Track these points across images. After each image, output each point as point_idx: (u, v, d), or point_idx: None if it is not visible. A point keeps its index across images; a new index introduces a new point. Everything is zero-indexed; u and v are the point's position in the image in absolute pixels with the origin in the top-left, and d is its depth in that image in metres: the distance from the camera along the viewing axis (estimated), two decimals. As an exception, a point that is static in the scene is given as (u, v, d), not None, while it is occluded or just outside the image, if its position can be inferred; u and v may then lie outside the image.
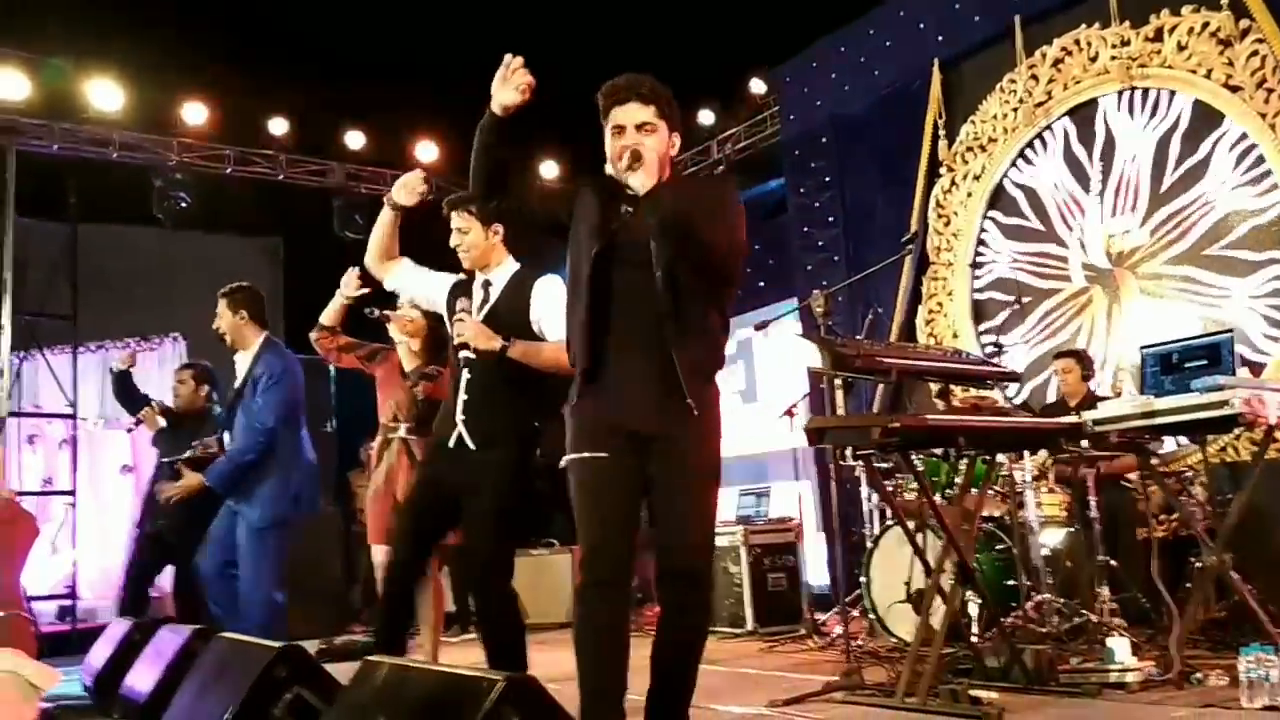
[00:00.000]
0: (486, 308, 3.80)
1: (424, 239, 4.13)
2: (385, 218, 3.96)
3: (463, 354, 3.74)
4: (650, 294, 2.78)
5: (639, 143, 2.86)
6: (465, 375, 3.75)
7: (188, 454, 4.99)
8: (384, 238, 3.97)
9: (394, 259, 3.99)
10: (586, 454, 2.81)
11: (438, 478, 3.79)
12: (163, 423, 6.09)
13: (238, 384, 4.97)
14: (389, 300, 4.59)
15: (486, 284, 3.86)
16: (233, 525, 4.80)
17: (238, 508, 4.80)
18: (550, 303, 3.68)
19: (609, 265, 2.83)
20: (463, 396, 3.73)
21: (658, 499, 2.82)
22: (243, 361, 5.02)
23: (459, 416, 3.72)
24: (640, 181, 2.80)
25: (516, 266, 3.91)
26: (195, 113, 9.69)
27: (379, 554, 4.83)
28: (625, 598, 2.82)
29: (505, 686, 1.87)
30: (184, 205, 9.62)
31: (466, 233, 3.90)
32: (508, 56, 2.89)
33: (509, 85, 2.91)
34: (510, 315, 3.75)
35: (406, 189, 3.92)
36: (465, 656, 5.60)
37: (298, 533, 5.74)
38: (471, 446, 3.69)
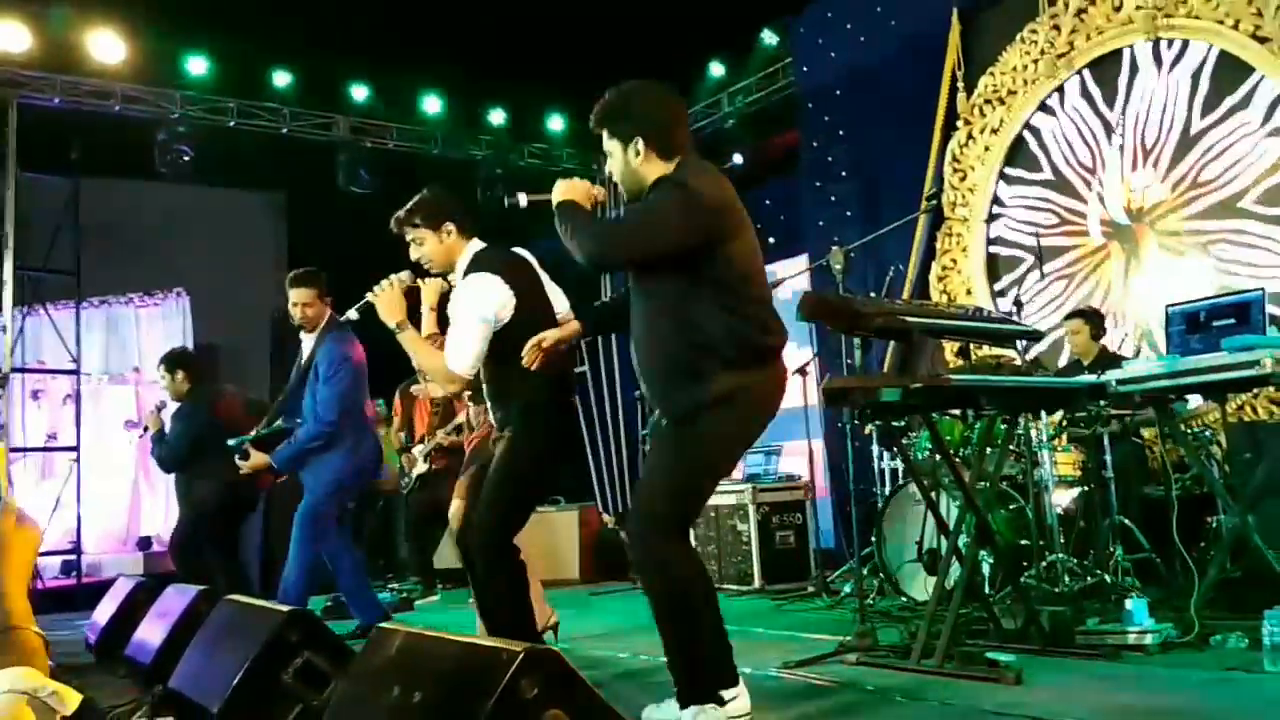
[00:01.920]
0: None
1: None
2: (408, 339, 3.71)
3: None
4: None
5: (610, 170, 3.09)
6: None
7: (254, 434, 5.37)
8: (429, 350, 3.74)
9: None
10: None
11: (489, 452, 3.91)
12: (166, 421, 6.33)
13: (303, 364, 5.27)
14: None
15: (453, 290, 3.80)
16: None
17: (307, 482, 5.22)
18: (454, 309, 3.64)
19: None
20: (487, 397, 3.83)
21: None
22: (309, 343, 5.31)
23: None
24: None
25: (473, 253, 3.77)
26: (197, 64, 9.53)
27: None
28: None
29: (524, 658, 1.81)
30: (187, 159, 9.48)
31: (422, 244, 3.75)
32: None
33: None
34: None
35: (394, 304, 3.70)
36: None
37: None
38: (497, 430, 3.79)
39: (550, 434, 3.72)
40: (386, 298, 3.69)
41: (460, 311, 3.60)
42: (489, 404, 3.87)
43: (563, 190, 3.06)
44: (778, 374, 3.05)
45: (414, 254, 3.77)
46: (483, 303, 3.57)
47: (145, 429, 6.43)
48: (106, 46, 9.00)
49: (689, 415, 2.91)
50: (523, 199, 3.29)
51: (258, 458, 5.23)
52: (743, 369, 2.91)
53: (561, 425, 3.87)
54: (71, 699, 1.46)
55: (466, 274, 3.69)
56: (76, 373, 9.21)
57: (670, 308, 2.92)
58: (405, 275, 3.82)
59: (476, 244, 3.79)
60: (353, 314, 3.99)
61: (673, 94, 3.11)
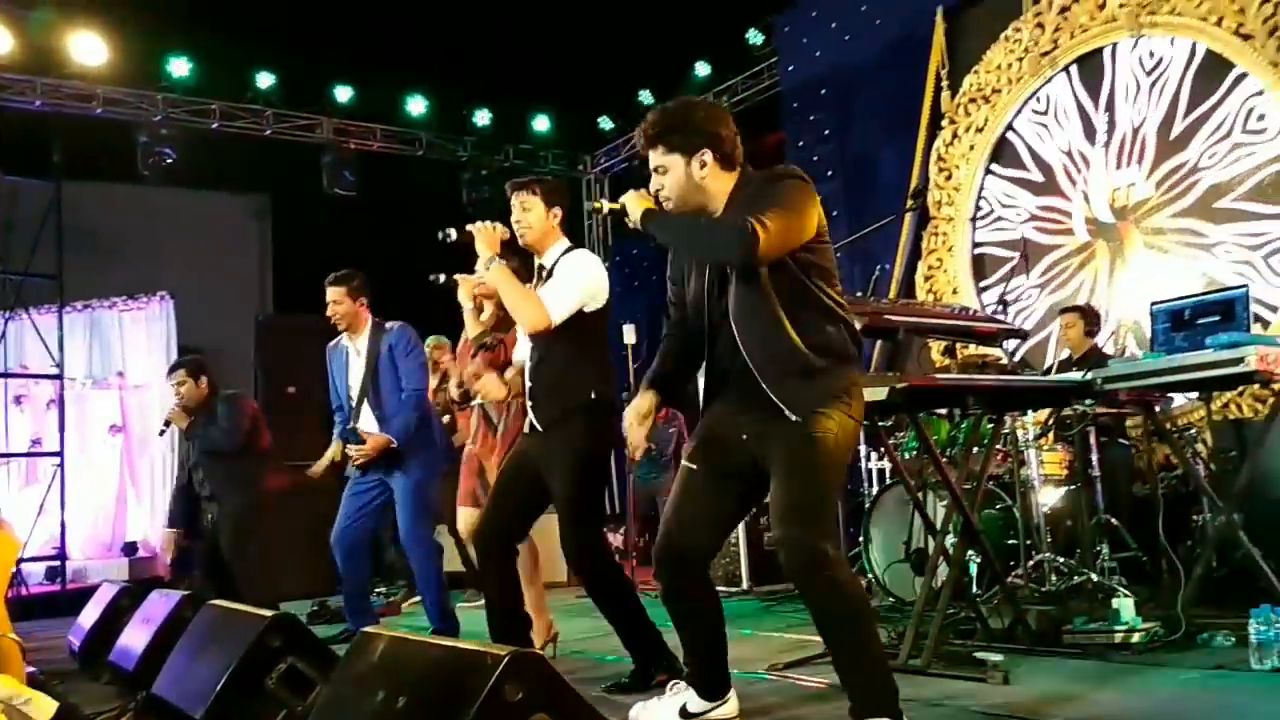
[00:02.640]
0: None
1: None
2: (500, 270, 3.82)
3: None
4: None
5: (660, 186, 2.96)
6: (530, 358, 3.87)
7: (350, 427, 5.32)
8: (521, 286, 3.83)
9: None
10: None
11: (525, 452, 3.91)
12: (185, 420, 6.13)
13: (364, 360, 5.29)
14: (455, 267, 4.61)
15: (541, 268, 3.92)
16: (376, 497, 5.24)
17: (403, 466, 5.17)
18: (563, 268, 3.81)
19: None
20: (528, 383, 3.87)
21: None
22: (358, 341, 5.34)
23: (527, 401, 3.86)
24: None
25: (565, 246, 3.94)
26: (179, 66, 9.47)
27: (461, 516, 4.91)
28: None
29: (509, 662, 1.79)
30: (169, 161, 9.42)
31: (529, 210, 3.89)
32: None
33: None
34: None
35: (494, 238, 3.91)
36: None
37: (298, 491, 6.07)
38: (539, 428, 3.82)
39: (610, 435, 3.85)
40: (487, 230, 3.88)
41: (570, 270, 3.79)
42: (539, 397, 3.86)
43: (641, 198, 3.00)
44: (859, 376, 2.98)
45: (515, 217, 3.91)
46: (594, 272, 3.80)
47: (167, 423, 6.19)
48: (88, 48, 8.95)
49: (813, 413, 2.76)
50: (605, 205, 3.27)
51: (378, 438, 5.14)
52: (852, 362, 2.88)
53: (615, 428, 3.99)
54: (47, 707, 1.43)
55: (567, 252, 3.87)
56: (60, 377, 9.14)
57: (783, 302, 2.79)
58: (504, 227, 3.97)
59: (567, 241, 3.96)
60: (451, 232, 4.01)
61: (728, 110, 3.08)
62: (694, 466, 3.02)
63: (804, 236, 2.79)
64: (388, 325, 5.33)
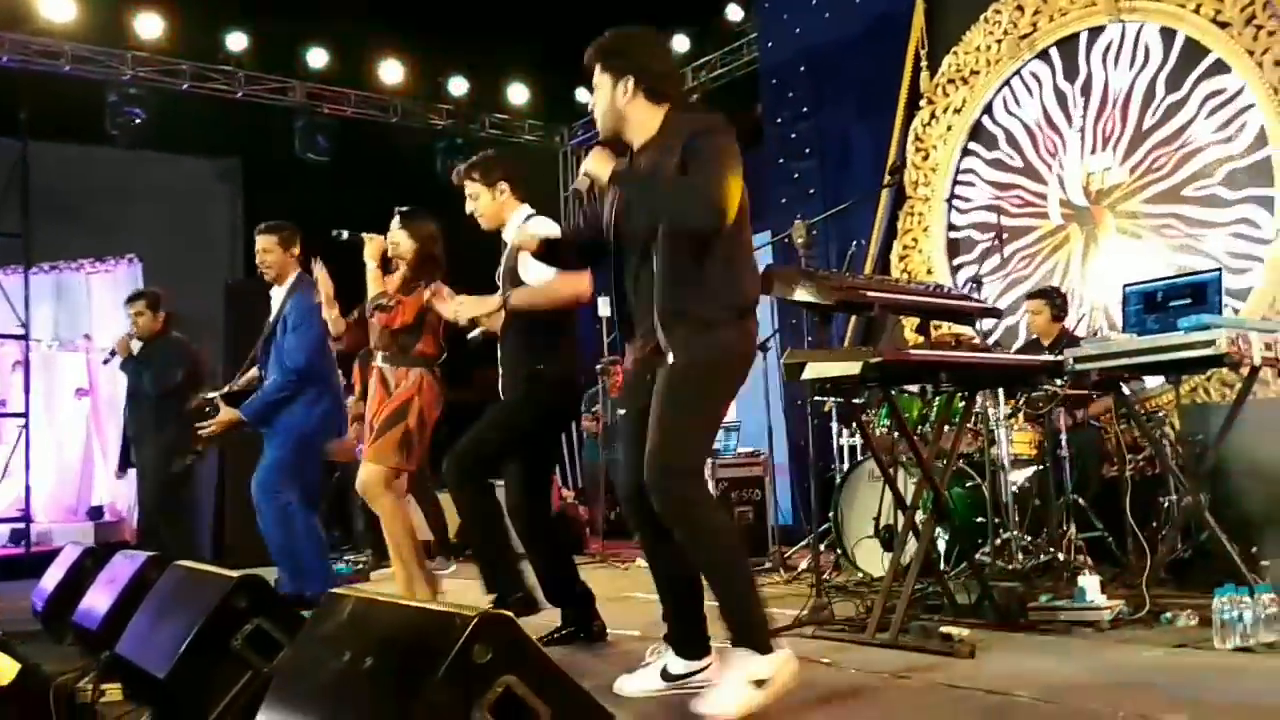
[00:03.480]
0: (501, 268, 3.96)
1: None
2: (520, 304, 3.88)
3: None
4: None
5: (593, 104, 3.10)
6: (501, 329, 3.96)
7: (225, 390, 5.27)
8: (542, 294, 3.86)
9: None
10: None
11: None
12: (135, 348, 6.13)
13: (272, 318, 5.16)
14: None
15: (505, 245, 3.96)
16: None
17: (267, 437, 5.06)
18: (525, 264, 3.81)
19: None
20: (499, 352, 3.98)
21: None
22: (278, 296, 5.20)
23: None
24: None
25: (525, 216, 3.94)
26: (149, 24, 9.30)
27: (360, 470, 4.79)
28: None
29: (477, 623, 1.77)
30: (138, 122, 9.27)
31: (476, 198, 3.96)
32: None
33: None
34: (511, 269, 3.91)
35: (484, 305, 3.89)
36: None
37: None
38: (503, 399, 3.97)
39: (559, 406, 3.97)
40: (481, 302, 3.86)
41: (531, 263, 3.76)
42: (504, 365, 3.96)
43: (607, 159, 3.00)
44: (755, 327, 3.05)
45: (469, 206, 3.98)
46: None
47: (113, 352, 6.14)
48: (55, 4, 8.77)
49: (699, 363, 2.87)
50: (583, 183, 3.27)
51: (227, 412, 5.10)
52: (740, 319, 2.94)
53: (565, 400, 4.09)
54: (8, 669, 1.40)
55: (527, 221, 3.88)
56: (25, 338, 9.01)
57: (687, 257, 2.86)
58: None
59: (528, 209, 3.97)
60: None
61: (669, 47, 3.17)
62: (623, 412, 3.19)
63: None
64: (304, 288, 5.11)
